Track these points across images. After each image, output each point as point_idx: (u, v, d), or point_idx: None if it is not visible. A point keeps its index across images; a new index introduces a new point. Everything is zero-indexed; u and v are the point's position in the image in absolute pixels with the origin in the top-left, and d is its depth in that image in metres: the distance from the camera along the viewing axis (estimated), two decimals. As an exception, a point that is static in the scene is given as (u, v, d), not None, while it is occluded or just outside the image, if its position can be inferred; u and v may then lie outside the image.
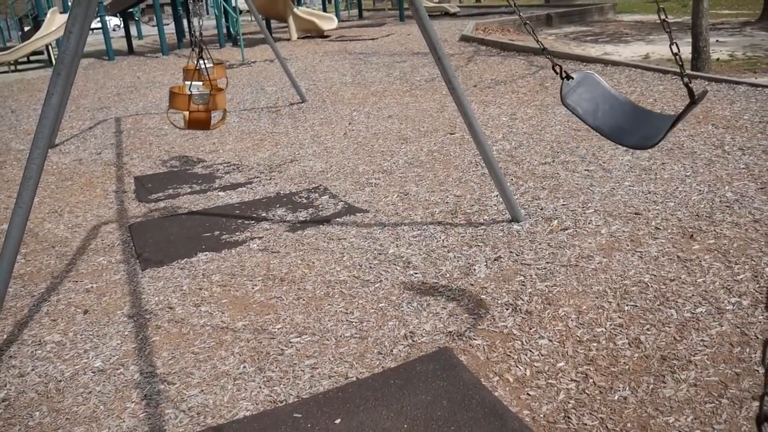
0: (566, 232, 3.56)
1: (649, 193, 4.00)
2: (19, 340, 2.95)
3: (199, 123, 3.73)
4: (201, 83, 3.69)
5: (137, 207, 4.74)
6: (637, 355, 2.41)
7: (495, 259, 3.31)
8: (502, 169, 4.60)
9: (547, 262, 3.21)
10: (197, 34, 4.18)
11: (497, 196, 4.08)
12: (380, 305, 2.95)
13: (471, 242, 3.55)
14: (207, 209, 4.55)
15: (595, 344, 2.49)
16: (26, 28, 19.68)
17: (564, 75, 2.35)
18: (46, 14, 15.65)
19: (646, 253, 3.21)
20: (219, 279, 3.38)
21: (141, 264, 3.67)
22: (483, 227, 3.74)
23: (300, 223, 4.09)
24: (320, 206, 4.38)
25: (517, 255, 3.33)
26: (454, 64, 9.41)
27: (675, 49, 1.96)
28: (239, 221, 4.23)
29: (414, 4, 3.26)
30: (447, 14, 19.32)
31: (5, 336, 2.99)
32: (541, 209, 3.92)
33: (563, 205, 3.95)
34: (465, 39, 12.19)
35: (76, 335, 2.94)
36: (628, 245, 3.32)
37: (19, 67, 15.66)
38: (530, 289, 2.96)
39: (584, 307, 2.77)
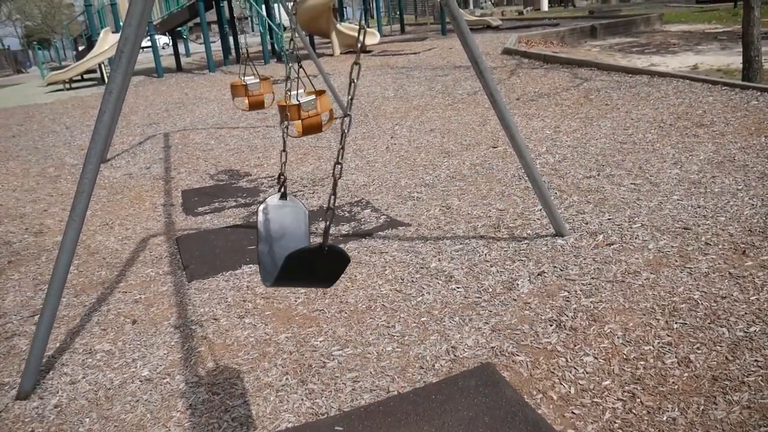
0: (612, 247, 3.49)
1: (699, 207, 3.90)
2: (71, 349, 3.04)
3: (312, 128, 3.83)
4: (302, 90, 3.78)
5: (184, 220, 4.85)
6: (686, 374, 2.34)
7: (538, 274, 3.26)
8: (546, 183, 4.55)
9: (593, 278, 3.15)
10: (246, 50, 4.30)
11: (541, 210, 4.04)
12: (422, 319, 2.94)
13: (514, 257, 3.51)
14: (251, 223, 4.62)
15: (642, 363, 2.43)
16: (80, 48, 20.44)
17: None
18: (99, 34, 16.24)
19: (696, 269, 3.13)
20: (263, 291, 3.42)
21: (187, 275, 3.75)
22: (526, 241, 3.70)
23: (342, 237, 4.12)
24: (362, 220, 4.41)
25: (562, 270, 3.28)
26: (497, 77, 9.38)
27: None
28: (283, 234, 4.28)
29: (455, 18, 3.27)
30: (489, 27, 19.29)
31: (58, 344, 3.08)
32: (586, 224, 3.86)
33: (609, 219, 3.88)
34: (507, 52, 12.14)
35: (125, 344, 3.01)
36: (677, 261, 3.24)
37: (74, 85, 16.26)
38: (575, 305, 2.91)
39: (631, 324, 2.71)
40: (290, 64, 3.62)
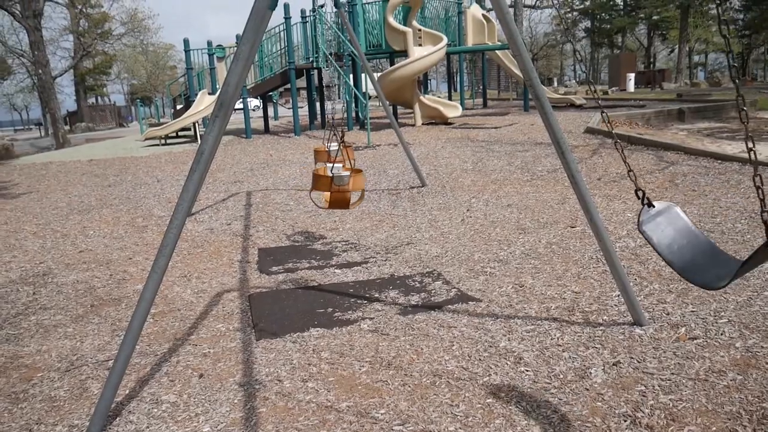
0: (695, 342, 3.30)
1: (793, 306, 3.65)
2: (139, 397, 3.10)
3: (339, 203, 3.91)
4: (341, 165, 3.89)
5: (258, 278, 4.95)
6: (776, 490, 2.13)
7: (613, 364, 3.11)
8: (625, 268, 4.39)
9: (672, 373, 2.97)
10: (332, 117, 4.45)
11: (618, 295, 3.89)
12: (488, 401, 2.84)
13: (588, 343, 3.37)
14: (323, 285, 4.66)
15: (726, 472, 2.24)
16: (178, 107, 21.78)
17: (645, 201, 2.32)
18: (196, 95, 17.28)
19: (789, 373, 2.90)
20: (328, 356, 3.41)
21: (256, 334, 3.79)
22: (602, 328, 3.55)
23: (411, 307, 4.09)
24: (433, 291, 4.37)
25: (639, 362, 3.12)
26: (578, 156, 9.28)
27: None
28: (352, 300, 4.30)
29: (538, 97, 3.28)
30: (573, 105, 19.26)
31: (127, 391, 3.16)
32: (667, 314, 3.67)
33: (692, 311, 3.68)
34: (590, 131, 12.03)
35: (190, 398, 3.05)
36: (767, 363, 3.01)
37: (169, 141, 17.25)
38: (652, 401, 2.74)
39: (714, 428, 2.52)
40: (333, 134, 3.69)
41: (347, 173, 3.82)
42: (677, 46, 45.17)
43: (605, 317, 3.70)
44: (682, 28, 41.82)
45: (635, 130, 12.32)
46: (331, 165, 3.95)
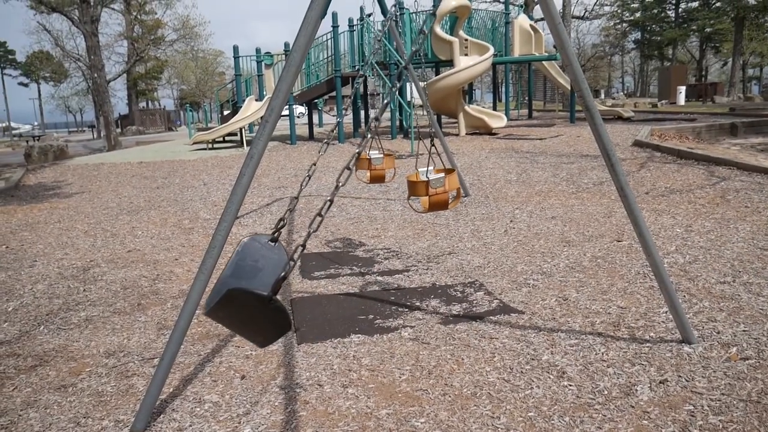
0: (747, 362, 3.19)
1: None
2: (182, 395, 3.16)
3: (438, 205, 3.93)
4: (432, 168, 3.91)
5: (300, 283, 5.00)
6: None
7: (660, 382, 3.03)
8: (674, 284, 4.29)
9: (723, 394, 2.88)
10: (374, 125, 4.47)
11: (666, 312, 3.79)
12: (529, 414, 2.80)
13: (634, 359, 3.29)
14: (364, 292, 4.68)
15: (779, 499, 2.16)
16: (225, 112, 22.20)
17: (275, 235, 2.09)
18: (244, 101, 17.58)
19: None
20: (368, 363, 3.42)
21: (297, 338, 3.82)
22: (648, 344, 3.47)
23: (452, 317, 4.06)
24: (474, 302, 4.34)
25: (687, 381, 3.03)
26: (626, 169, 9.11)
27: None
28: (393, 308, 4.30)
29: (588, 108, 3.24)
30: (620, 118, 18.95)
31: (171, 389, 3.22)
32: (718, 333, 3.56)
33: (744, 331, 3.56)
34: (638, 144, 11.81)
35: (232, 398, 3.09)
36: (824, 387, 2.90)
37: (216, 145, 17.59)
38: (701, 422, 2.66)
39: (766, 452, 2.43)
40: (422, 141, 3.70)
41: (441, 175, 3.83)
42: (731, 59, 43.99)
43: (652, 334, 3.61)
44: (736, 41, 40.74)
45: (685, 144, 12.03)
46: (424, 169, 3.97)
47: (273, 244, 2.08)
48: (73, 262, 5.96)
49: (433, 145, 4.20)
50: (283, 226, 2.28)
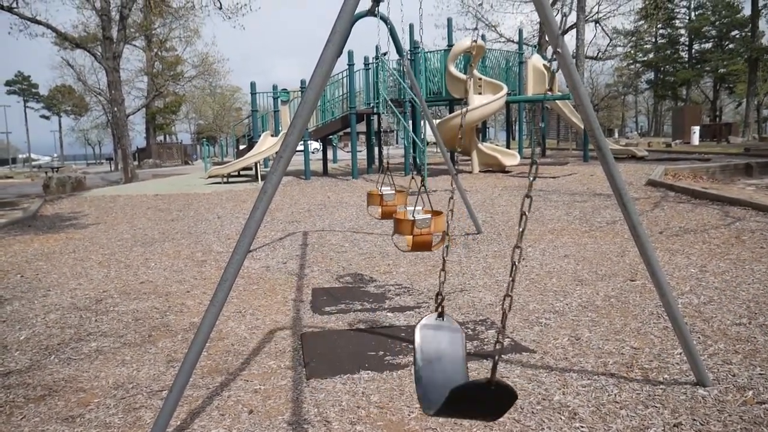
0: (763, 406, 3.12)
1: None
2: (190, 428, 3.14)
3: (421, 245, 3.95)
4: (420, 208, 3.93)
5: (311, 317, 4.99)
6: None
7: (675, 425, 2.97)
8: (688, 325, 4.23)
9: (739, 439, 2.82)
10: (387, 161, 4.53)
11: (680, 353, 3.73)
12: (540, 456, 2.75)
13: (647, 401, 3.24)
14: (374, 328, 4.66)
15: None
16: (241, 147, 22.49)
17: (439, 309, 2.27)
18: (259, 136, 17.81)
19: None
20: (377, 400, 3.38)
21: (307, 373, 3.80)
22: (662, 386, 3.41)
23: (463, 354, 4.02)
24: (485, 340, 4.30)
25: (702, 424, 2.97)
26: (639, 209, 9.07)
27: None
28: (404, 344, 4.27)
29: (600, 147, 3.25)
30: (634, 157, 18.94)
31: (179, 422, 3.20)
32: (733, 375, 3.50)
33: (761, 374, 3.50)
34: (652, 183, 11.78)
35: (239, 434, 3.07)
36: (843, 434, 2.83)
37: (231, 179, 17.76)
38: (716, 468, 2.60)
39: (784, 500, 2.36)
40: (413, 178, 3.74)
41: (428, 216, 3.85)
42: (745, 99, 44.05)
43: (666, 375, 3.56)
44: (750, 82, 40.83)
45: (699, 184, 11.99)
46: (411, 209, 3.99)
47: (442, 320, 2.27)
48: (87, 292, 6.00)
49: (423, 185, 4.24)
50: (442, 300, 2.35)
